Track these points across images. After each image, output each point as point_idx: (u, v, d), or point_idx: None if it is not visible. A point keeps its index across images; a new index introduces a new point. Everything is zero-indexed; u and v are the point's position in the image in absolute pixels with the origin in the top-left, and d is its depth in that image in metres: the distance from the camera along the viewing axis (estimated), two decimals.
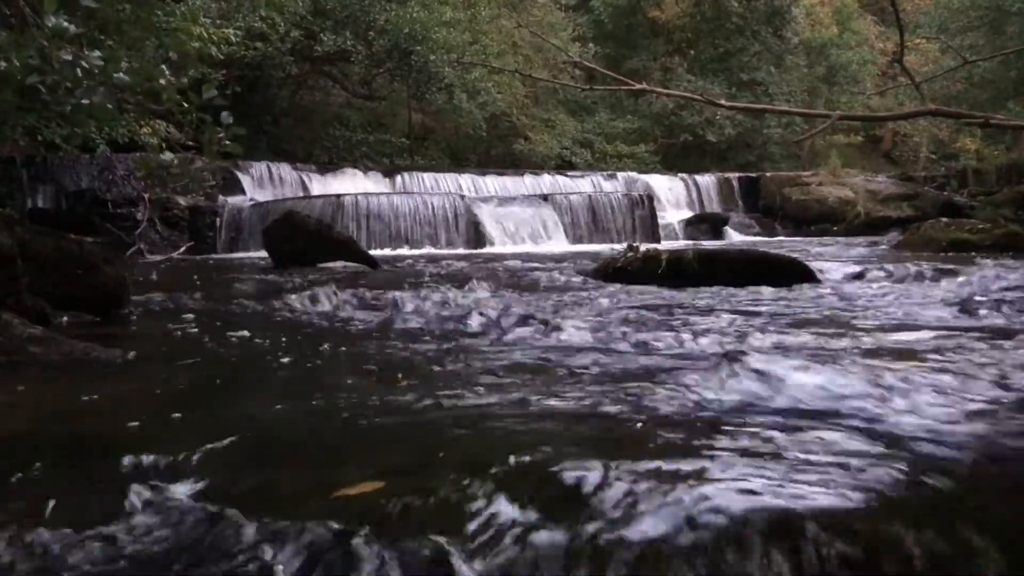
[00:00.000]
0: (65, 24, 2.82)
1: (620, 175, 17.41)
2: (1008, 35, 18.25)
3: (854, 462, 1.30)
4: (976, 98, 18.24)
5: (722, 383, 2.09)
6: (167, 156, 4.42)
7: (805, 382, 2.05)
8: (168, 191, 10.51)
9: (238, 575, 1.05)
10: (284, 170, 13.88)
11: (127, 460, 1.52)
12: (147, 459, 1.49)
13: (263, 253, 8.42)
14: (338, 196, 11.58)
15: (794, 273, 5.14)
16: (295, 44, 15.26)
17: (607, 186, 15.90)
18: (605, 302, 4.20)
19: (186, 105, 3.30)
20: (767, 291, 4.54)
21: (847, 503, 1.12)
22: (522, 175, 16.14)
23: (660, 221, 13.92)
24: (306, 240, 7.60)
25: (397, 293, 4.33)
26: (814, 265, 5.56)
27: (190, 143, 4.43)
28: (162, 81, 3.20)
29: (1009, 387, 1.96)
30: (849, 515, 1.08)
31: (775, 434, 1.53)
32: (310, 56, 16.33)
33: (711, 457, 1.35)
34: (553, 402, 1.92)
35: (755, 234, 16.04)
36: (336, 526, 1.10)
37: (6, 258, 3.01)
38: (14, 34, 2.99)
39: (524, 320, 3.35)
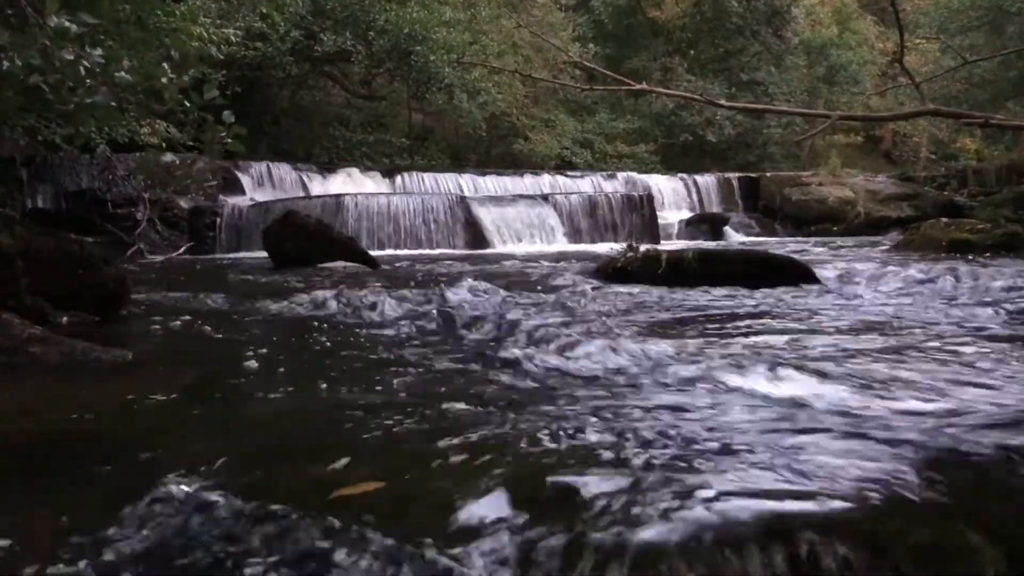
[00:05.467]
0: (67, 24, 2.83)
1: (620, 175, 17.38)
2: (1008, 35, 18.24)
3: (853, 461, 1.30)
4: (976, 98, 18.22)
5: (721, 382, 2.10)
6: (167, 157, 4.43)
7: (804, 381, 2.06)
8: (168, 191, 10.50)
9: (238, 575, 1.05)
10: (284, 170, 13.86)
11: (127, 460, 1.52)
12: (147, 459, 1.50)
13: (263, 253, 8.42)
14: (338, 196, 11.56)
15: (794, 273, 5.13)
16: (295, 44, 15.24)
17: (607, 186, 15.87)
18: (605, 302, 4.20)
19: (187, 104, 3.30)
20: (767, 291, 4.54)
21: (846, 502, 1.12)
22: (522, 175, 16.11)
23: (660, 221, 13.88)
24: (306, 240, 7.59)
25: (397, 293, 4.33)
26: (814, 265, 5.56)
27: (191, 143, 4.43)
28: (163, 80, 3.20)
29: (1007, 386, 1.96)
30: (849, 514, 1.09)
31: (774, 434, 1.53)
32: (310, 56, 16.31)
33: (710, 456, 1.35)
34: (552, 401, 1.93)
35: (755, 234, 16.01)
36: (337, 525, 1.11)
37: (6, 258, 3.01)
38: (16, 34, 3.00)
39: (523, 321, 3.35)
